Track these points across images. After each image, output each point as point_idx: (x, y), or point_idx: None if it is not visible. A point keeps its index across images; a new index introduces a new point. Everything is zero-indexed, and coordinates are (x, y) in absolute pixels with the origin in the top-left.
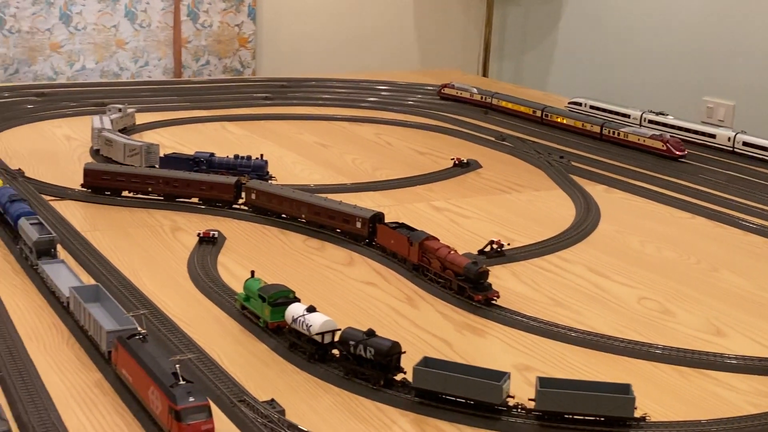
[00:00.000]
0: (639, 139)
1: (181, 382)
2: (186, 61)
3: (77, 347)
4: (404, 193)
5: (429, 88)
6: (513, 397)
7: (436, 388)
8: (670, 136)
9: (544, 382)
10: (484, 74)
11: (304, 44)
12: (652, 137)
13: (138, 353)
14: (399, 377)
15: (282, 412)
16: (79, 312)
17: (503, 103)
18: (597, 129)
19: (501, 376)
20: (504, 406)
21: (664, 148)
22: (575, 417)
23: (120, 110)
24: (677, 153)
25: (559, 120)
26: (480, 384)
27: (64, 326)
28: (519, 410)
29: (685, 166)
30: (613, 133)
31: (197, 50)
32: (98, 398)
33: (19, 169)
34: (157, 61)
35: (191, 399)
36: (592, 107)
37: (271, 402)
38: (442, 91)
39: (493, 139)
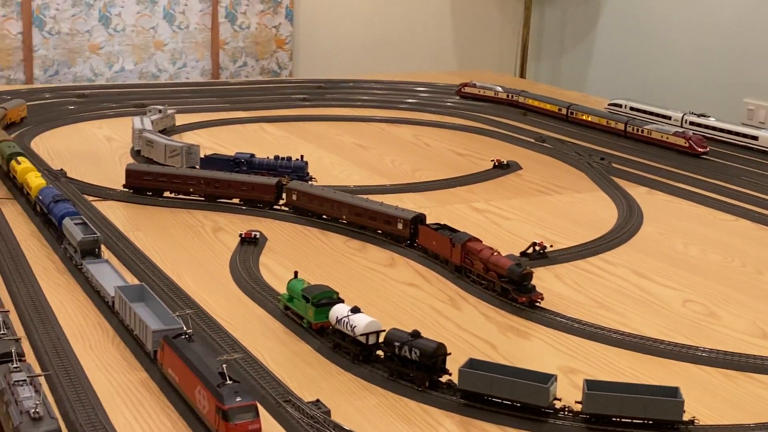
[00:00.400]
0: (662, 136)
1: (228, 382)
2: (223, 62)
3: (122, 346)
4: (444, 195)
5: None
6: (560, 399)
7: (482, 390)
8: (693, 133)
9: (591, 385)
10: (522, 76)
11: (341, 46)
12: (675, 134)
13: (184, 353)
14: (444, 379)
15: (327, 412)
16: (124, 311)
17: (529, 101)
18: (621, 126)
19: (548, 378)
20: (551, 409)
21: (687, 144)
22: (623, 420)
23: (160, 111)
24: (699, 150)
25: (584, 117)
26: (526, 386)
27: (109, 325)
28: (566, 413)
29: (728, 168)
30: (637, 130)
31: (235, 52)
32: (144, 397)
33: (62, 169)
34: (194, 63)
35: (238, 399)
36: (632, 109)
37: (317, 402)
38: (463, 90)
39: (532, 140)
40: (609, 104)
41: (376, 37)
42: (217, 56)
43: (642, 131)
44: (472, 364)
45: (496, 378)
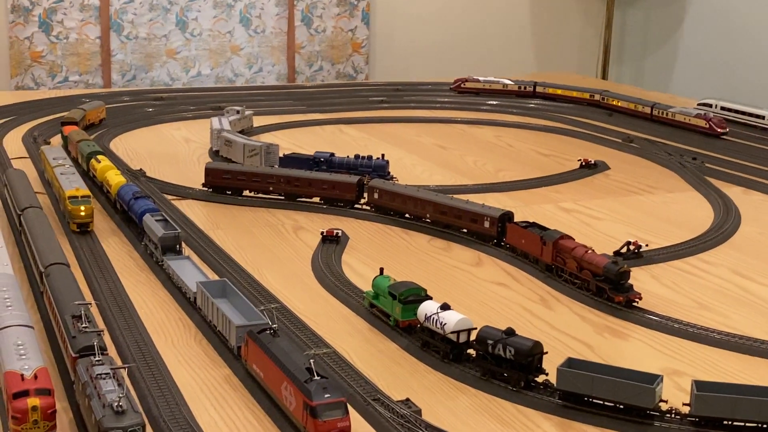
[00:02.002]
0: (685, 119)
1: (316, 378)
2: (299, 66)
3: (204, 342)
4: (530, 195)
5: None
6: (666, 401)
7: (583, 390)
8: (713, 114)
9: (700, 386)
10: (603, 77)
11: (418, 48)
12: (696, 116)
13: (270, 348)
14: (540, 379)
15: (418, 411)
16: (206, 307)
17: (549, 90)
18: (648, 110)
19: (653, 378)
20: (657, 411)
21: (707, 126)
22: (735, 424)
23: (238, 112)
24: (719, 130)
25: (615, 103)
26: (631, 387)
27: (191, 321)
28: (673, 415)
29: None
30: (662, 113)
31: (310, 56)
32: (228, 394)
33: (141, 169)
34: (270, 67)
35: (327, 395)
36: (723, 108)
37: (407, 401)
38: (462, 85)
39: (618, 140)
40: (699, 104)
41: (453, 39)
42: (293, 60)
43: (667, 114)
44: (571, 363)
45: (598, 378)
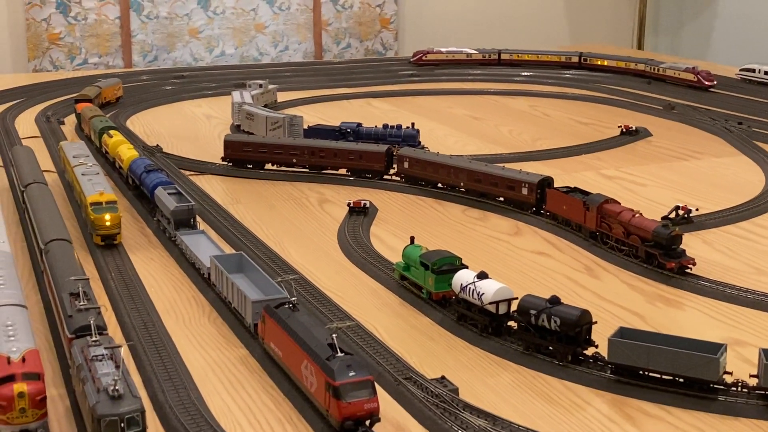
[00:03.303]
0: (675, 73)
1: (340, 354)
2: (326, 44)
3: (219, 321)
4: (570, 162)
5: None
6: (730, 373)
7: (638, 363)
8: (701, 69)
9: None
10: (639, 48)
11: (449, 23)
12: (685, 70)
13: (288, 323)
14: (590, 351)
15: (455, 390)
16: (221, 282)
17: (516, 56)
18: (642, 67)
19: (716, 348)
20: (721, 384)
21: (696, 79)
22: None
23: (261, 86)
24: (707, 83)
25: (600, 63)
26: (692, 357)
27: (205, 300)
28: (740, 388)
29: None
30: (654, 69)
31: (338, 33)
32: (243, 376)
33: (157, 145)
34: (297, 45)
35: (352, 373)
36: (766, 73)
37: (442, 379)
38: (423, 57)
39: (659, 107)
40: (741, 69)
41: (485, 13)
42: (319, 37)
43: (658, 70)
44: (624, 333)
45: (655, 349)
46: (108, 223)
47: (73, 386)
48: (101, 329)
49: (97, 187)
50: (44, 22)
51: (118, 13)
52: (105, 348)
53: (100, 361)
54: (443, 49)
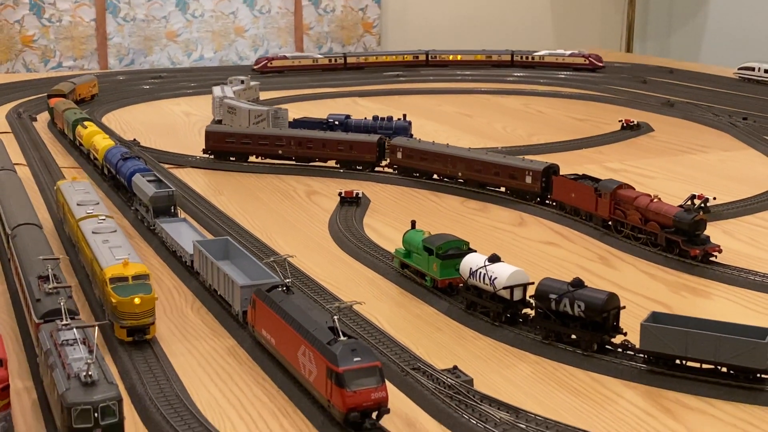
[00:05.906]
0: (557, 59)
1: (342, 338)
2: (308, 48)
3: (203, 311)
4: (570, 156)
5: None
6: None
7: (674, 351)
8: (589, 52)
9: None
10: (628, 51)
11: (433, 26)
12: (572, 55)
13: (282, 307)
14: (618, 340)
15: (469, 381)
16: (205, 269)
17: (362, 59)
18: (508, 57)
19: (763, 333)
20: None
21: (587, 62)
22: None
23: (242, 82)
24: (599, 64)
25: (448, 58)
26: (736, 343)
27: (188, 289)
28: None
29: None
30: (525, 57)
31: (319, 37)
32: (232, 368)
33: (134, 139)
34: (277, 49)
35: (357, 359)
36: (766, 71)
37: (454, 370)
38: (268, 64)
39: (656, 104)
40: (739, 68)
41: (469, 16)
42: (301, 42)
43: (531, 58)
44: (657, 318)
45: (694, 334)
46: (138, 310)
47: (41, 376)
48: (73, 313)
49: (118, 253)
50: (17, 23)
51: (93, 15)
52: (76, 329)
53: (71, 345)
54: (288, 55)
